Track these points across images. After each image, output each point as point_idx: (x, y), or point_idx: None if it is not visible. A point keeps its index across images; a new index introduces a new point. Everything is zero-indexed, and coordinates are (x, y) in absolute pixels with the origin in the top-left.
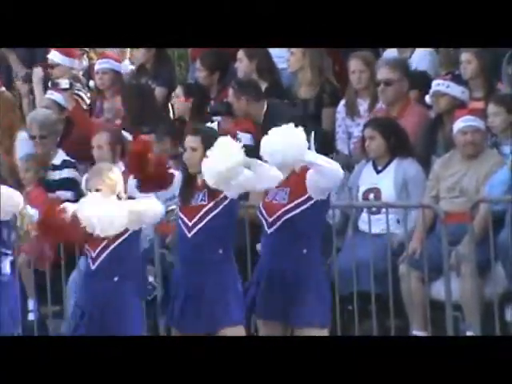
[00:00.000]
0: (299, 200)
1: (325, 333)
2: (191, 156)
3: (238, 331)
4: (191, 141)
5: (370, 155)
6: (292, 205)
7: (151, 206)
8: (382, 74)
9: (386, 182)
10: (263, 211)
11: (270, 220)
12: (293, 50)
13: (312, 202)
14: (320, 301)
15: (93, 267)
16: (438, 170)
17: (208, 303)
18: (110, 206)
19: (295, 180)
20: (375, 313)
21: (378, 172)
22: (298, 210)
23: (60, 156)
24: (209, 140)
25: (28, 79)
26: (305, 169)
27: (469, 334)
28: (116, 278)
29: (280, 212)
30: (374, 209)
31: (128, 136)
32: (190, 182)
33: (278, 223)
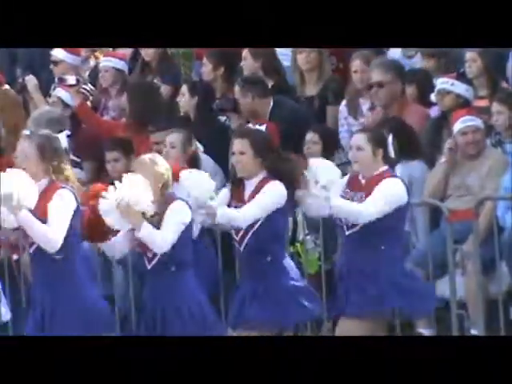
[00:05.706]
0: None
1: None
2: (240, 159)
3: None
4: (239, 143)
5: None
6: None
7: None
8: (374, 76)
9: None
10: None
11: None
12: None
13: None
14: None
15: (149, 266)
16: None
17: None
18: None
19: (369, 185)
20: None
21: None
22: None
23: None
24: (258, 142)
25: (23, 88)
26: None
27: (473, 331)
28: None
29: None
30: None
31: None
32: (238, 187)
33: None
